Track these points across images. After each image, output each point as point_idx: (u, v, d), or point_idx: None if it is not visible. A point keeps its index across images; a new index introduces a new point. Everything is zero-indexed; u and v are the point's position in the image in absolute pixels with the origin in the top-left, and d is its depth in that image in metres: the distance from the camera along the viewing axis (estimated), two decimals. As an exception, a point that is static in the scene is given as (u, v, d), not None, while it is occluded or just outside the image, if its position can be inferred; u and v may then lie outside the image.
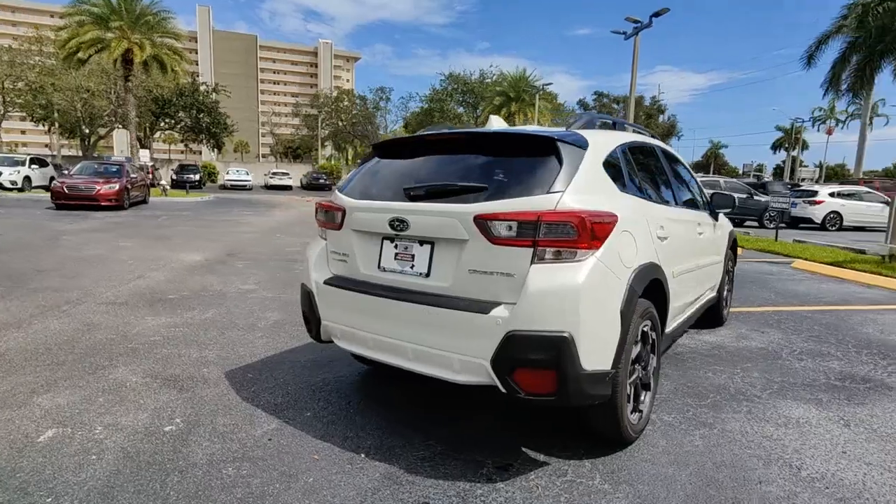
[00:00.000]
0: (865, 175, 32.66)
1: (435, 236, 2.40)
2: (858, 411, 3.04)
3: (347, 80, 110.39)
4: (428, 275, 2.42)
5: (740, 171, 59.89)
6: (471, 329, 2.22)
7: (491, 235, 2.21)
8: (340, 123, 51.66)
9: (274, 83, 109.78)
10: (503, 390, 2.20)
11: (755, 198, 16.73)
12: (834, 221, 16.49)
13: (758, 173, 54.81)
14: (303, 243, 8.98)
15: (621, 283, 2.28)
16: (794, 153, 58.11)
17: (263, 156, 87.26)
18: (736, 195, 4.93)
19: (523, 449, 2.55)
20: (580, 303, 2.10)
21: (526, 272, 2.15)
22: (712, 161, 70.74)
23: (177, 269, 6.86)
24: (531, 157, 2.41)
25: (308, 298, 2.84)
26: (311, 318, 2.84)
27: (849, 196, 17.16)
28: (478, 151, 2.61)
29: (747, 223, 16.82)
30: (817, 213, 16.54)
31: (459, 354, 2.27)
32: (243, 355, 3.71)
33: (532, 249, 2.16)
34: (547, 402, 2.25)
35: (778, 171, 66.08)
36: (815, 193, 16.98)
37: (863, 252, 9.79)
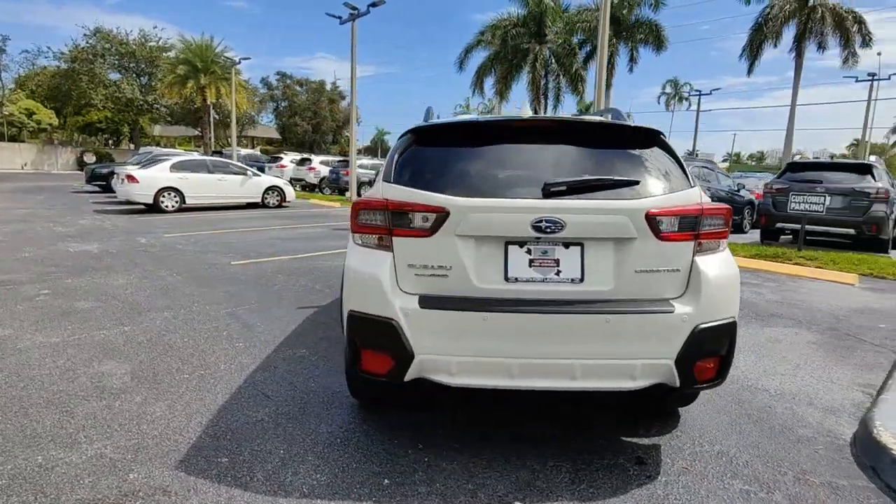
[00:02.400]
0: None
1: (588, 237, 2.26)
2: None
3: None
4: (582, 280, 2.26)
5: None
6: (656, 330, 2.20)
7: (659, 232, 2.24)
8: None
9: None
10: (677, 385, 2.25)
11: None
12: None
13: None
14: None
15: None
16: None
17: None
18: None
19: (628, 440, 2.84)
20: (738, 288, 2.36)
21: (689, 265, 2.27)
22: (378, 146, 78.75)
23: None
24: (643, 149, 2.46)
25: (387, 330, 2.19)
26: (395, 356, 2.22)
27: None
28: (583, 142, 2.48)
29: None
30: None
31: (642, 359, 2.21)
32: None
33: (693, 243, 2.27)
34: (708, 388, 2.38)
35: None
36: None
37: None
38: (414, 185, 2.33)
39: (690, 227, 2.27)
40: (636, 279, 2.26)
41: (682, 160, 2.48)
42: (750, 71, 27.24)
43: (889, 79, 31.88)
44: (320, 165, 23.20)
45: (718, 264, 2.32)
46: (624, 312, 2.21)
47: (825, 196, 8.76)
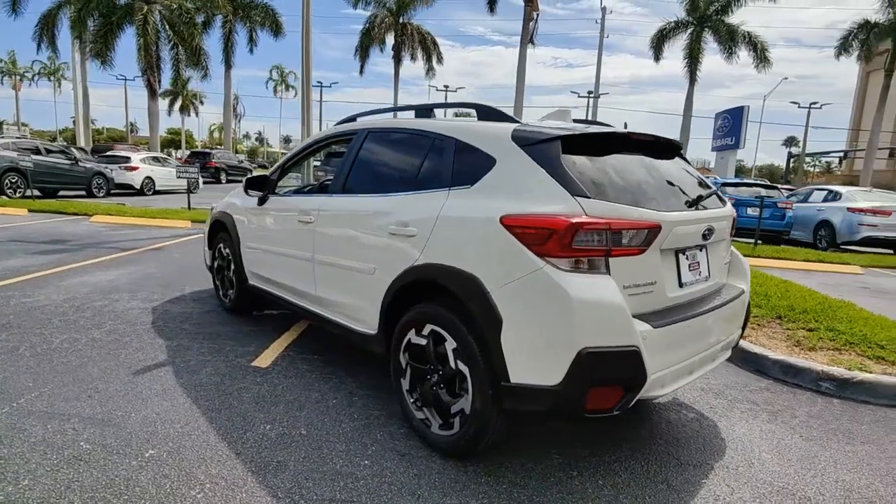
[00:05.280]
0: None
1: (716, 240, 2.61)
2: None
3: None
4: (709, 276, 2.61)
5: None
6: (739, 309, 2.73)
7: (733, 231, 2.84)
8: None
9: None
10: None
11: (81, 164, 15.20)
12: (149, 186, 17.60)
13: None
14: None
15: None
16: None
17: None
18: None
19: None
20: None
21: (730, 255, 2.91)
22: None
23: None
24: (680, 159, 2.82)
25: (630, 359, 2.01)
26: (629, 385, 2.07)
27: (156, 161, 18.62)
28: (667, 156, 2.69)
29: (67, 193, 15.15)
30: (136, 179, 17.11)
31: (734, 334, 2.72)
32: None
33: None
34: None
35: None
36: (129, 159, 17.31)
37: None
38: (607, 199, 2.12)
39: (733, 225, 2.92)
40: (722, 270, 2.78)
41: None
42: (362, 71, 30.87)
43: (457, 91, 41.81)
44: None
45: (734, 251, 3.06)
46: (737, 299, 2.68)
47: None
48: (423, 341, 2.49)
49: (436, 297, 2.47)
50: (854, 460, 2.64)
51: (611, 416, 2.16)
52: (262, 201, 3.90)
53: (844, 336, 3.97)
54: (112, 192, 15.98)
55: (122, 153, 18.23)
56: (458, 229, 2.34)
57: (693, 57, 27.16)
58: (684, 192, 2.54)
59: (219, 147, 39.17)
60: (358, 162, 3.14)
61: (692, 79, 27.73)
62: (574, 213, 2.03)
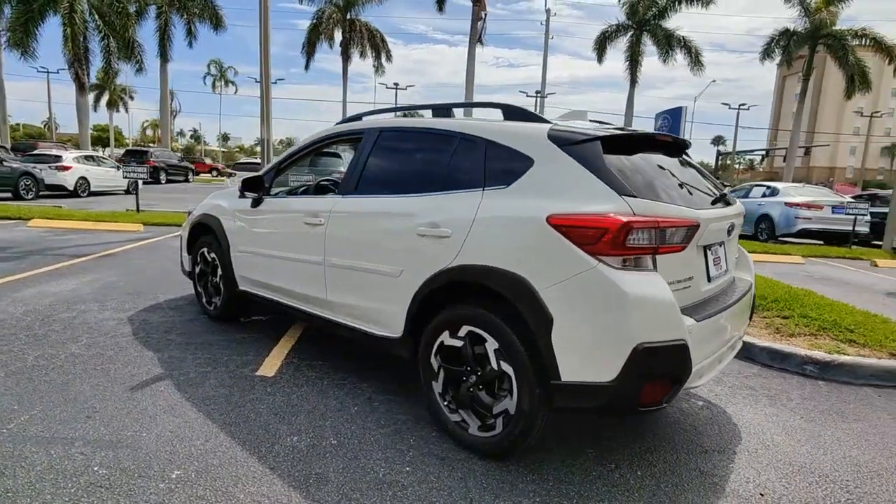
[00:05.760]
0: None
1: (734, 235, 2.76)
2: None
3: None
4: (727, 270, 2.74)
5: None
6: (751, 300, 2.91)
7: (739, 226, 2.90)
8: None
9: None
10: None
11: (7, 164, 13.95)
12: (84, 187, 16.41)
13: None
14: None
15: None
16: None
17: None
18: None
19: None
20: None
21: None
22: None
23: None
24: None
25: (680, 353, 2.07)
26: (676, 377, 2.12)
27: (90, 161, 17.37)
28: (680, 155, 2.81)
29: (-5, 195, 13.88)
30: (68, 180, 15.90)
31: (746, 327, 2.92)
32: None
33: None
34: None
35: None
36: (60, 158, 16.05)
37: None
38: (648, 198, 2.18)
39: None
40: (733, 264, 2.91)
41: None
42: (307, 66, 30.10)
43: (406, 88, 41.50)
44: None
45: None
46: (748, 290, 2.83)
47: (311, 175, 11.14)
48: (459, 343, 2.46)
49: (471, 298, 2.45)
50: (853, 437, 2.85)
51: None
52: (256, 203, 3.73)
53: (817, 322, 4.27)
54: (42, 193, 14.79)
55: (52, 152, 16.89)
56: (499, 230, 2.33)
57: (633, 59, 28.35)
58: (706, 191, 2.65)
59: (153, 145, 37.07)
60: (371, 162, 3.06)
61: (633, 80, 28.93)
62: (624, 213, 2.07)
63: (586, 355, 2.09)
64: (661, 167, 2.52)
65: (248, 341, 3.86)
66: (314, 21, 28.16)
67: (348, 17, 28.97)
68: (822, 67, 51.24)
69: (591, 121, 2.89)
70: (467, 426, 2.49)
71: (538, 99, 31.53)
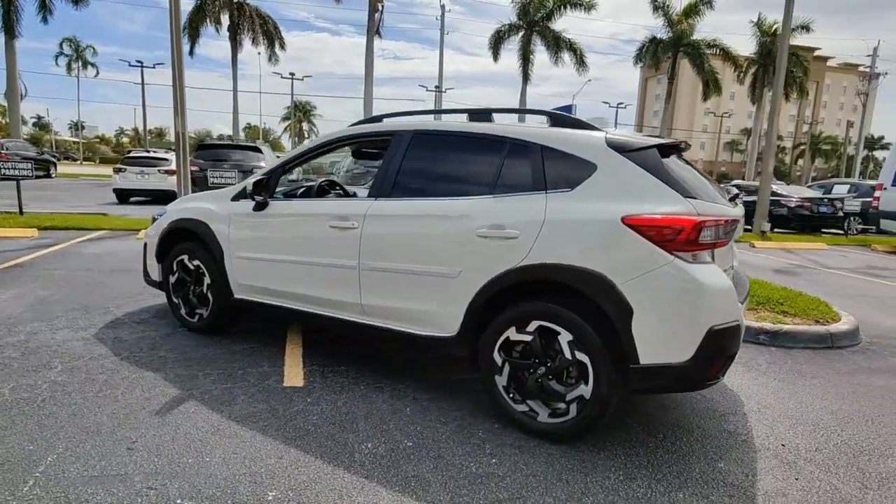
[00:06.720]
0: None
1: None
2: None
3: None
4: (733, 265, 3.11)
5: None
6: None
7: None
8: None
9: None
10: None
11: None
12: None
13: None
14: None
15: None
16: None
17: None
18: None
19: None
20: None
21: None
22: None
23: None
24: None
25: (738, 332, 2.48)
26: (732, 353, 2.51)
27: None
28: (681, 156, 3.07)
29: None
30: None
31: None
32: None
33: None
34: None
35: None
36: None
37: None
38: (701, 199, 2.47)
39: None
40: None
41: None
42: (192, 52, 27.66)
43: (302, 79, 39.59)
44: None
45: None
46: (743, 275, 3.28)
47: (234, 171, 11.22)
48: (528, 337, 2.61)
49: (540, 294, 2.61)
50: (819, 391, 3.45)
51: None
52: (260, 207, 3.53)
53: (755, 298, 5.01)
54: None
55: None
56: (573, 230, 2.50)
57: (525, 58, 29.95)
58: (720, 191, 3.03)
59: (-4, 135, 31.66)
60: (406, 165, 3.06)
61: (525, 77, 30.57)
62: (692, 213, 2.35)
63: (665, 340, 2.35)
64: (689, 170, 2.86)
65: (250, 352, 3.65)
66: (198, 2, 25.93)
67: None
68: (678, 71, 58.10)
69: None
70: (536, 414, 2.64)
71: (437, 94, 32.05)
